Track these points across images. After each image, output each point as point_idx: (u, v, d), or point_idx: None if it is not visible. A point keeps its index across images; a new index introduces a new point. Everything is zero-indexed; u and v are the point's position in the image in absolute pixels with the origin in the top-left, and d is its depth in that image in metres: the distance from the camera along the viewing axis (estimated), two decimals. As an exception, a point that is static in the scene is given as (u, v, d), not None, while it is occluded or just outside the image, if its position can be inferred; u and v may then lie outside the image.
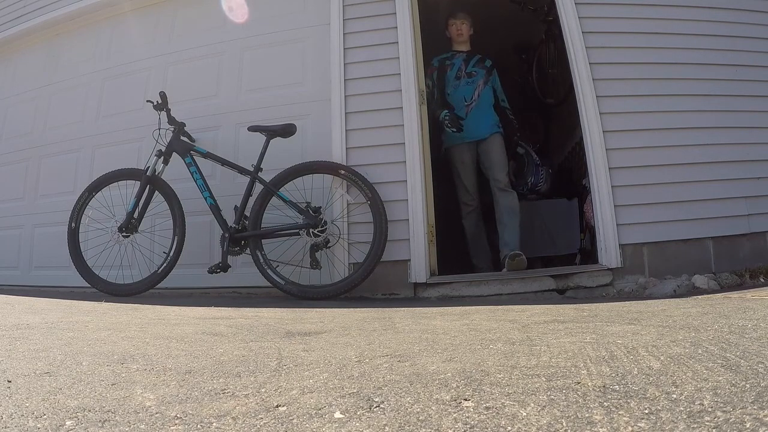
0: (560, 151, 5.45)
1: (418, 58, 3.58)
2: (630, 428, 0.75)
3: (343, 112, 3.55)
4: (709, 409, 0.80)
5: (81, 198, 3.50)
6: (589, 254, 3.90)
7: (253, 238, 3.24)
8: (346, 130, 3.53)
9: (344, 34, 3.66)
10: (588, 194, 3.62)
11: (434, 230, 3.46)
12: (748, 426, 0.73)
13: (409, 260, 3.33)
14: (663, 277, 3.08)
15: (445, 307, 2.60)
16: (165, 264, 3.26)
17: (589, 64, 3.32)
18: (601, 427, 0.76)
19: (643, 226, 3.18)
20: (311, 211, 3.22)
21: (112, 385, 1.08)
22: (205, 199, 3.36)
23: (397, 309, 2.57)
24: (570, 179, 4.90)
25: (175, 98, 3.62)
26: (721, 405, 0.82)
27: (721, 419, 0.76)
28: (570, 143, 4.85)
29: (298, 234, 3.23)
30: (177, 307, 2.68)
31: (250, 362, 1.30)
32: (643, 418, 0.79)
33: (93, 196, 3.50)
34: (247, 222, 3.28)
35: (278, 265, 3.21)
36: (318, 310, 2.53)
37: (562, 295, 3.16)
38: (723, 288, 2.90)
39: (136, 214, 3.37)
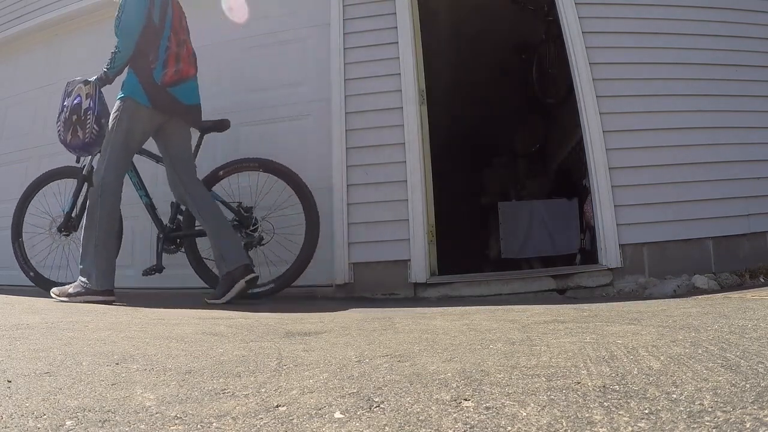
0: (560, 151, 5.46)
1: (418, 58, 3.58)
2: (630, 428, 0.75)
3: (343, 112, 3.55)
4: (709, 409, 0.80)
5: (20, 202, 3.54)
6: (589, 254, 3.90)
7: (188, 237, 3.21)
8: (346, 130, 3.53)
9: (344, 34, 3.66)
10: (588, 194, 3.62)
11: (434, 230, 3.46)
12: (748, 426, 0.73)
13: (409, 260, 3.33)
14: (663, 277, 3.08)
15: (445, 307, 2.59)
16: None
17: (589, 64, 3.32)
18: (601, 427, 0.76)
19: (643, 226, 3.18)
20: (243, 211, 3.18)
21: (112, 385, 1.08)
22: (141, 197, 3.29)
23: (397, 309, 2.57)
24: (570, 179, 4.91)
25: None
26: (721, 405, 0.82)
27: (721, 419, 0.76)
28: (570, 143, 4.86)
29: None
30: (177, 306, 2.68)
31: (250, 362, 1.30)
32: (643, 418, 0.79)
33: (33, 197, 3.52)
34: (180, 221, 3.22)
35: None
36: (318, 310, 2.53)
37: (562, 295, 3.16)
38: (723, 288, 2.90)
39: (74, 214, 3.32)
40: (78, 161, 3.34)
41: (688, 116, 3.32)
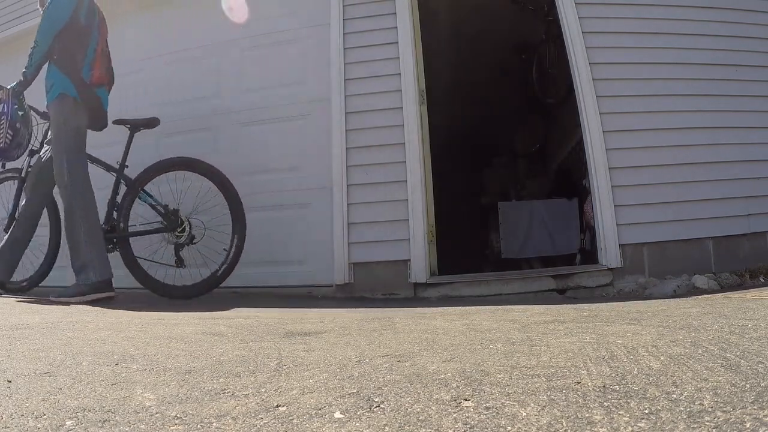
0: (560, 151, 5.46)
1: (418, 58, 3.58)
2: (630, 428, 0.75)
3: (343, 112, 3.55)
4: (709, 409, 0.81)
5: None
6: (589, 254, 3.90)
7: (122, 238, 3.16)
8: (346, 130, 3.53)
9: (344, 34, 3.65)
10: (588, 194, 3.62)
11: (434, 230, 3.46)
12: (748, 426, 0.73)
13: (409, 260, 3.33)
14: (663, 277, 3.08)
15: (446, 307, 2.60)
16: (43, 267, 3.25)
17: (589, 64, 3.32)
18: (601, 427, 0.76)
19: (643, 226, 3.18)
20: (170, 214, 3.17)
21: (112, 385, 1.08)
22: None
23: (397, 309, 2.57)
24: (570, 179, 4.91)
25: (175, 98, 3.60)
26: (721, 405, 0.82)
27: (721, 419, 0.76)
28: (570, 143, 4.86)
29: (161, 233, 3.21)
30: (176, 306, 2.68)
31: (250, 362, 1.30)
32: (643, 418, 0.79)
33: None
34: (114, 222, 3.18)
35: (151, 265, 3.17)
36: (318, 310, 2.54)
37: (562, 295, 3.16)
38: (723, 288, 2.90)
39: (17, 215, 3.24)
40: (3, 167, 3.31)
41: (688, 116, 3.32)
